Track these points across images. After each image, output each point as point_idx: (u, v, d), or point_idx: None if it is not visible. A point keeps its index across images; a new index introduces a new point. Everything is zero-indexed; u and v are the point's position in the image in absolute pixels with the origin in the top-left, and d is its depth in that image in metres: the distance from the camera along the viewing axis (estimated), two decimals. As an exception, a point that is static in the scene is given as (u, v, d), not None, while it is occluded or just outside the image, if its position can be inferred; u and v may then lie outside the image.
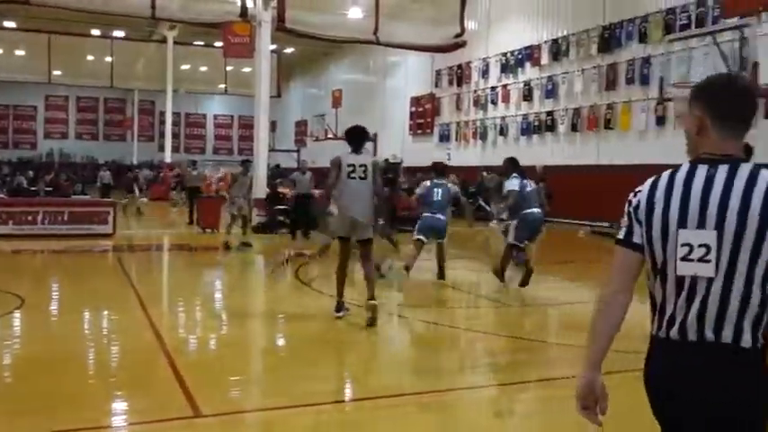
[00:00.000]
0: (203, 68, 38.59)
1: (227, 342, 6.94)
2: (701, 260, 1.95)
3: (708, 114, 2.06)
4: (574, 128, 20.65)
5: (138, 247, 15.19)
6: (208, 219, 17.34)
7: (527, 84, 22.75)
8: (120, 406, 4.82)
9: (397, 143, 30.38)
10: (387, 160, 13.81)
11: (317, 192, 15.67)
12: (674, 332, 2.02)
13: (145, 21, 25.68)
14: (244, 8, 17.39)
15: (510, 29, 23.73)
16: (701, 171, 2.01)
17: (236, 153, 46.53)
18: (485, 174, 23.77)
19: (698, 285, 1.96)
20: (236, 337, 7.18)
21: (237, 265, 12.82)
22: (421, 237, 9.83)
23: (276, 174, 26.74)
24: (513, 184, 9.75)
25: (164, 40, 34.14)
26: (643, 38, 18.18)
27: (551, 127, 21.62)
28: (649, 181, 2.16)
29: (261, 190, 18.71)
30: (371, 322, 7.13)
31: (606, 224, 18.53)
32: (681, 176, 2.05)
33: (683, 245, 1.98)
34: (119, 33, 34.59)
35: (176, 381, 5.20)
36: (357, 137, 7.57)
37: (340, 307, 7.46)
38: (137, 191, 24.81)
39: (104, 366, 5.78)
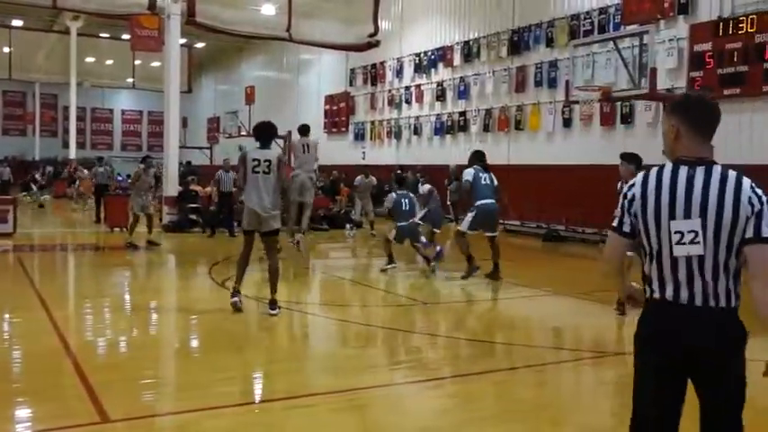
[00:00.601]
0: (110, 62, 37.22)
1: (138, 344, 6.76)
2: (691, 242, 2.53)
3: (683, 124, 2.65)
4: (486, 128, 21.12)
5: (41, 246, 14.54)
6: (115, 217, 16.77)
7: (440, 84, 23.10)
8: (22, 413, 4.62)
9: (311, 141, 30.20)
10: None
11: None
12: (668, 296, 2.60)
13: (46, 10, 24.54)
14: (152, 0, 16.88)
15: (423, 29, 24.04)
16: (683, 172, 2.58)
17: (145, 149, 45.12)
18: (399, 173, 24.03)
19: (691, 262, 2.54)
20: (146, 339, 7.00)
21: (147, 265, 12.47)
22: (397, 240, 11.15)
23: (187, 171, 26.16)
24: (468, 173, 10.39)
25: (67, 31, 32.74)
26: (550, 42, 18.78)
27: (464, 127, 22.04)
28: (640, 177, 2.69)
29: (172, 188, 18.26)
30: (273, 310, 7.56)
31: (518, 222, 19.11)
32: (667, 176, 2.60)
33: (675, 232, 2.55)
34: (17, 23, 32.91)
35: (83, 385, 5.02)
36: (264, 132, 7.81)
37: (234, 293, 7.74)
38: (34, 188, 23.74)
39: (5, 371, 5.51)
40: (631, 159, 8.11)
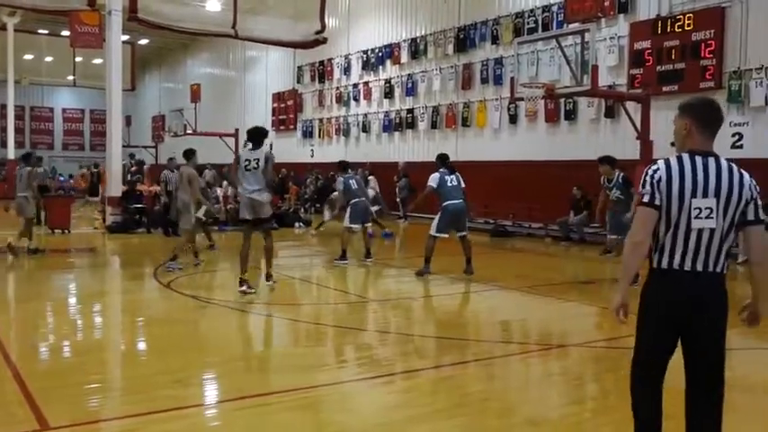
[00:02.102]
0: (49, 59, 36.17)
1: (82, 349, 6.59)
2: (707, 217, 3.15)
3: (693, 123, 3.26)
4: (434, 125, 21.27)
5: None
6: (56, 219, 16.33)
7: (388, 81, 23.16)
8: (-42, 424, 4.46)
9: (259, 139, 29.91)
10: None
11: None
12: (676, 264, 3.20)
13: (-20, 6, 23.70)
14: (93, -4, 16.50)
15: (370, 26, 24.05)
16: (699, 160, 3.20)
17: (87, 149, 44.05)
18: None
19: (702, 233, 3.17)
20: (90, 344, 6.83)
21: (90, 268, 12.18)
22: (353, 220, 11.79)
23: (138, 170, 25.65)
24: (434, 178, 10.70)
25: (3, 28, 31.68)
26: (495, 40, 19.02)
27: (412, 124, 22.15)
28: (662, 163, 3.25)
29: (115, 188, 17.88)
30: (272, 286, 9.24)
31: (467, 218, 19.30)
32: (687, 163, 3.21)
33: (695, 208, 3.15)
34: (-51, 18, 31.70)
35: (21, 392, 4.88)
36: (256, 135, 9.10)
37: (242, 283, 8.80)
38: None
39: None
40: (606, 161, 10.00)
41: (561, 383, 5.61)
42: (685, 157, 3.23)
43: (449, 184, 10.64)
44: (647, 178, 3.23)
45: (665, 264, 3.23)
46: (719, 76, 13.88)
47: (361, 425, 4.60)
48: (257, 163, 8.79)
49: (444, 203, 10.60)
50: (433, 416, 4.71)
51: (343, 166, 12.56)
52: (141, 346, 6.95)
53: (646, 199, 3.22)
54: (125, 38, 22.33)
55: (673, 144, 3.43)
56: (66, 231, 16.28)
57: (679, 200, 3.17)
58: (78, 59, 34.37)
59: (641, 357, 3.44)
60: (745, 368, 5.69)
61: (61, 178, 35.71)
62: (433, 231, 10.69)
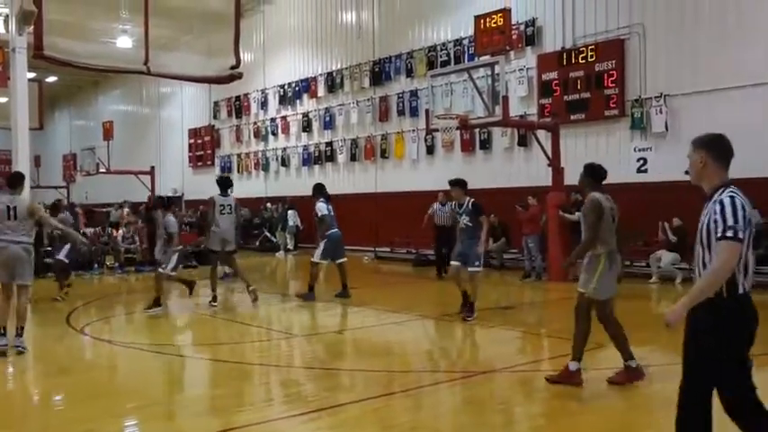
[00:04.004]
0: (-50, 98, 34.51)
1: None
2: (752, 245, 3.44)
3: (709, 157, 3.52)
4: (353, 157, 21.41)
5: None
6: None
7: (305, 115, 23.22)
8: None
9: (176, 176, 29.39)
10: (161, 197, 13.04)
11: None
12: (748, 287, 3.40)
13: None
14: (-5, 33, 15.92)
15: (286, 61, 24.13)
16: (739, 192, 3.43)
17: (-8, 191, 42.05)
18: (269, 205, 23.84)
19: (749, 260, 3.42)
20: (4, 392, 6.48)
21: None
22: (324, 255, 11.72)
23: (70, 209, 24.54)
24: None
25: None
26: (410, 72, 19.42)
27: (331, 157, 22.23)
28: (738, 198, 3.39)
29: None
30: (255, 298, 11.01)
31: (388, 249, 19.42)
32: (739, 197, 3.40)
33: (749, 237, 3.39)
34: None
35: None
36: (225, 183, 11.51)
37: (214, 299, 10.98)
38: None
39: None
40: (458, 184, 9.69)
41: (488, 409, 5.69)
42: (734, 190, 3.43)
43: (330, 213, 11.29)
44: (740, 214, 3.34)
45: (740, 290, 3.38)
46: (622, 105, 14.60)
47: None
48: (231, 209, 11.11)
49: (328, 232, 11.25)
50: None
51: (321, 189, 11.90)
52: (56, 394, 6.62)
53: (740, 235, 3.32)
54: (31, 75, 21.55)
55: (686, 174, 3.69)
56: None
57: (750, 230, 3.39)
58: (-19, 98, 32.94)
59: (727, 384, 3.45)
60: (665, 384, 5.94)
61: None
62: (317, 258, 11.33)
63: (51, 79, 35.07)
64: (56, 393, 6.66)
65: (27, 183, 15.89)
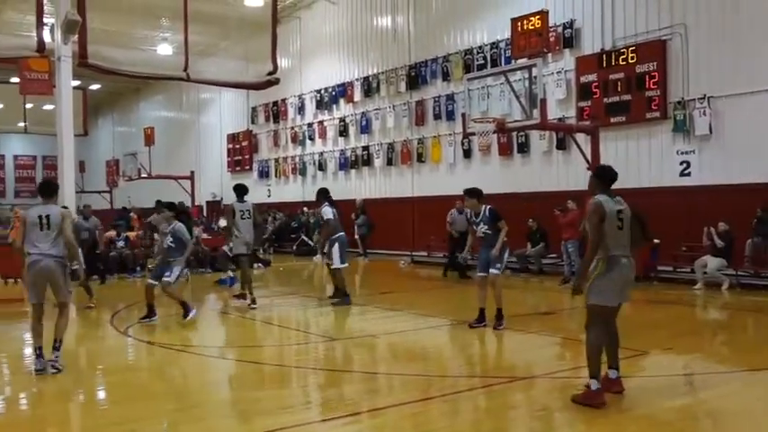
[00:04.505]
0: (-1, 106, 35.52)
1: (38, 400, 6.38)
2: None
3: None
4: (389, 162, 21.43)
5: None
6: (6, 268, 15.83)
7: (342, 120, 23.32)
8: None
9: (215, 180, 29.79)
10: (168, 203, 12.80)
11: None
12: None
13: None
14: (41, 42, 16.28)
15: (323, 66, 24.27)
16: None
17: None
18: (306, 209, 23.99)
19: None
20: (48, 393, 6.61)
21: (45, 318, 11.81)
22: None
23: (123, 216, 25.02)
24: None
25: (-49, 77, 31.06)
26: (446, 76, 19.38)
27: (368, 161, 22.28)
28: None
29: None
30: (253, 302, 11.21)
31: (424, 253, 19.38)
32: None
33: None
34: None
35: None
36: (242, 191, 11.65)
37: (252, 301, 11.22)
38: None
39: None
40: (473, 193, 9.33)
41: (527, 415, 5.63)
42: None
43: (336, 217, 11.44)
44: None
45: None
46: (665, 107, 14.34)
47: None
48: (249, 213, 11.46)
49: (336, 235, 11.35)
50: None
51: (325, 193, 11.88)
52: (100, 394, 6.75)
53: None
54: (76, 83, 22.09)
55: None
56: (19, 281, 15.81)
57: None
58: (29, 106, 33.76)
59: None
60: (710, 392, 5.80)
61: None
62: (337, 264, 11.40)
63: (95, 87, 35.87)
64: (100, 393, 6.80)
65: (72, 188, 16.39)
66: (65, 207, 11.48)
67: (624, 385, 5.83)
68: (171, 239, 9.85)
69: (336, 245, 11.37)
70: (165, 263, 9.93)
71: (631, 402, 5.73)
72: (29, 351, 8.90)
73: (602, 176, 5.88)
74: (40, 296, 7.06)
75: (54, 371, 6.92)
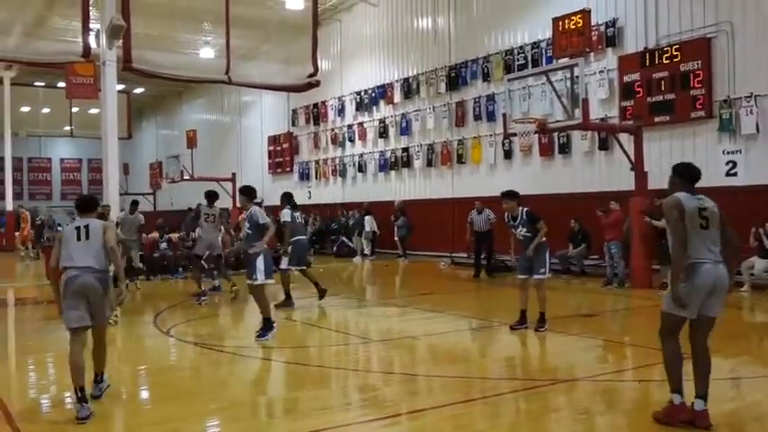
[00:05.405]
0: (46, 110, 36.48)
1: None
2: None
3: None
4: (429, 163, 21.39)
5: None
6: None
7: (382, 121, 23.36)
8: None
9: (257, 182, 30.04)
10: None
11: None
12: None
13: (-23, 60, 24.00)
14: (86, 47, 16.67)
15: (362, 68, 24.34)
16: None
17: (85, 198, 44.03)
18: (346, 211, 24.11)
19: None
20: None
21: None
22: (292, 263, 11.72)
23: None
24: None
25: (0, 82, 32.01)
26: (486, 77, 19.26)
27: (408, 163, 22.27)
28: None
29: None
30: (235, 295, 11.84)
31: (465, 255, 19.28)
32: None
33: None
34: (-54, 74, 32.02)
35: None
36: (210, 197, 12.46)
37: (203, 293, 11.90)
38: None
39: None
40: (510, 196, 9.39)
41: (569, 418, 5.56)
42: None
43: (297, 221, 11.63)
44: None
45: None
46: (710, 106, 14.03)
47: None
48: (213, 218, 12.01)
49: (293, 239, 11.46)
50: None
51: (289, 197, 11.94)
52: (144, 394, 6.88)
53: None
54: (120, 87, 22.54)
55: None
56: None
57: None
58: (75, 110, 34.65)
59: None
60: (757, 396, 5.66)
61: (59, 228, 35.69)
62: (284, 266, 11.47)
63: (139, 90, 36.61)
64: (143, 393, 6.92)
65: (116, 190, 16.73)
66: (106, 206, 12.13)
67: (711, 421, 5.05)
68: (248, 225, 9.12)
69: (289, 248, 11.41)
70: (247, 260, 9.25)
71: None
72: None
73: (683, 174, 5.33)
74: (77, 321, 5.82)
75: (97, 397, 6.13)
